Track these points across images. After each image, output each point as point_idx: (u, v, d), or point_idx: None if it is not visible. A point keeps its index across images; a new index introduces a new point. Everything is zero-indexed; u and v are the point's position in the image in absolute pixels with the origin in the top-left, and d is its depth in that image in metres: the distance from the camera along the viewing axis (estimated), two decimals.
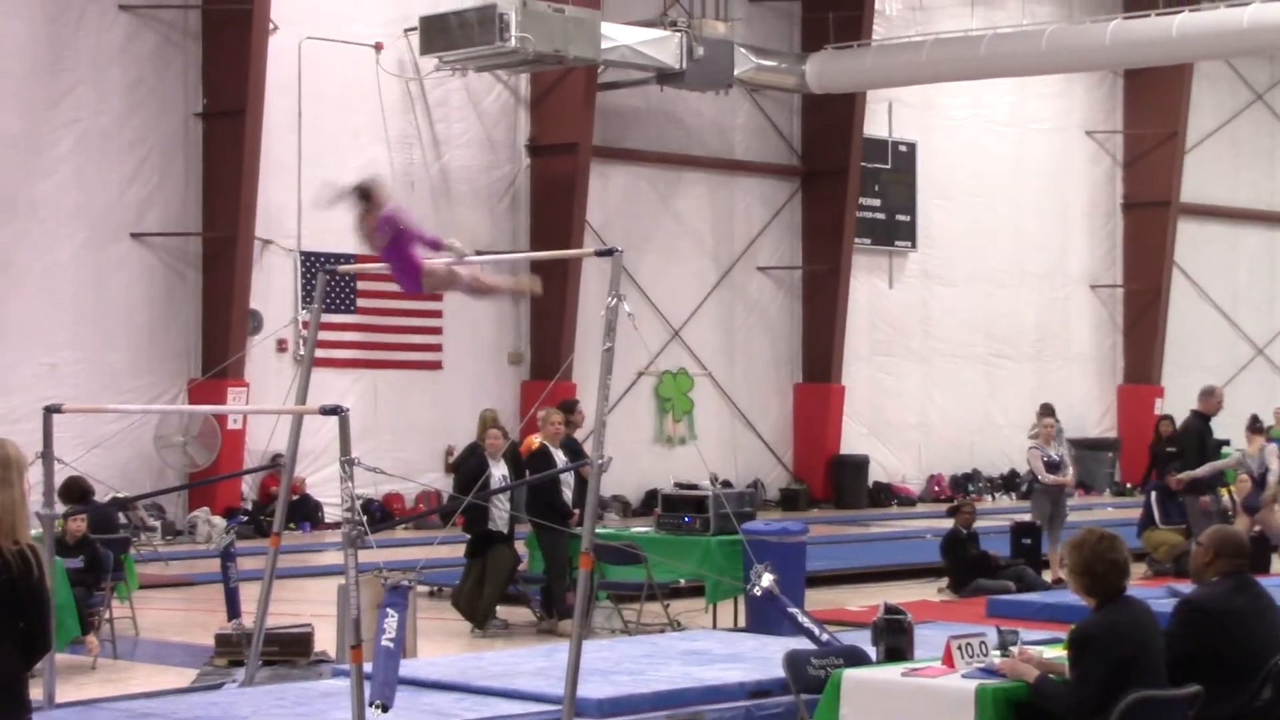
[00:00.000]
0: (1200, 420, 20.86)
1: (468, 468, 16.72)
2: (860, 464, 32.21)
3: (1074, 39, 29.49)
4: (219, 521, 23.63)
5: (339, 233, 25.91)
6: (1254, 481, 20.35)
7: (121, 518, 18.24)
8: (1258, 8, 27.50)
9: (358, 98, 26.67)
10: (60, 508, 13.16)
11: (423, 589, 17.72)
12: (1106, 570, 7.86)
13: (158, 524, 23.95)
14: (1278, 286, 39.90)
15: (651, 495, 26.92)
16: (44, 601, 6.69)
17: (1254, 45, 29.53)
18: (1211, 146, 38.12)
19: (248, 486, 25.62)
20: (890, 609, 10.41)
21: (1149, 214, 36.57)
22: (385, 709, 8.54)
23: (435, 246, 10.79)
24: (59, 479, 12.46)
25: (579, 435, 18.13)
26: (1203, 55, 31.70)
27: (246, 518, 24.01)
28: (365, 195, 10.72)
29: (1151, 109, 36.40)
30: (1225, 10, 28.22)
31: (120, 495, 18.16)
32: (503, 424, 17.33)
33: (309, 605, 16.14)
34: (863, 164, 32.08)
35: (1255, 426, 22.09)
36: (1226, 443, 23.40)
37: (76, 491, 15.15)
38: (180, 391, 24.85)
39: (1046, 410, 24.57)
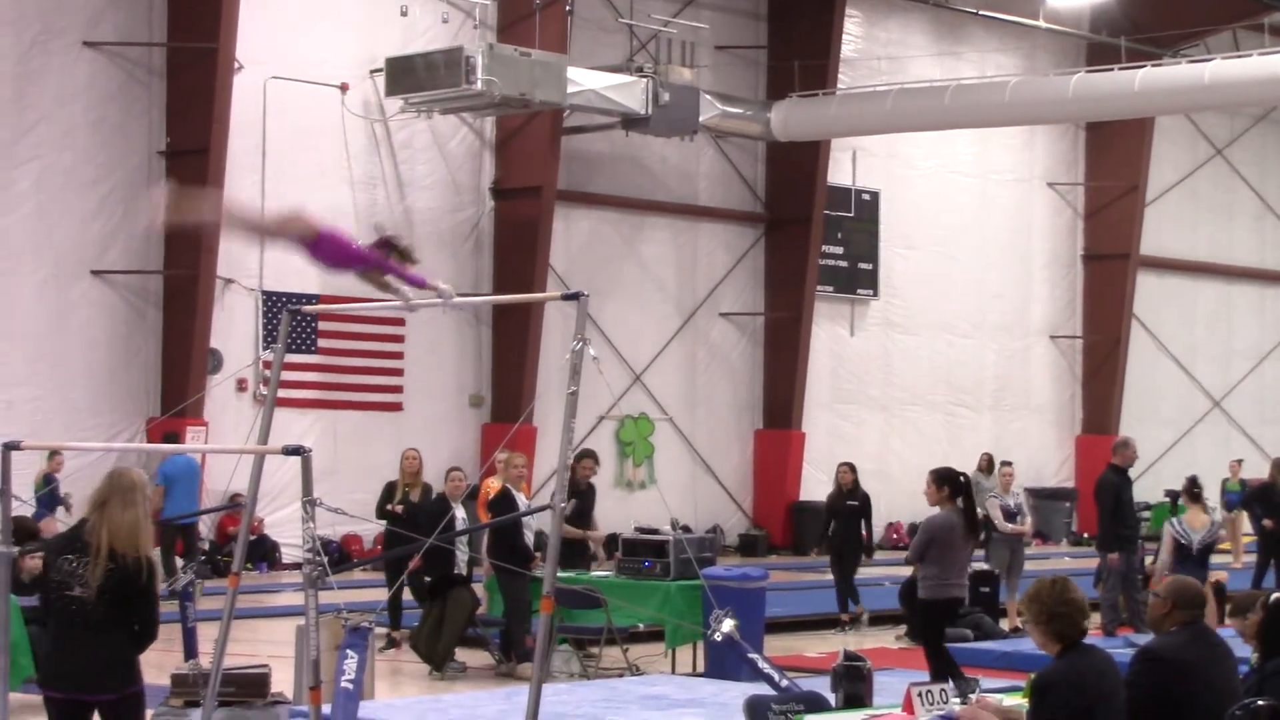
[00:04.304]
0: (1116, 474, 18.27)
1: (430, 509, 16.69)
2: (819, 511, 32.13)
3: (1037, 91, 29.69)
4: (176, 561, 23.48)
5: (301, 272, 25.99)
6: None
7: None
8: (1218, 64, 27.76)
9: (322, 138, 26.63)
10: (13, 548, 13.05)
11: (380, 631, 17.64)
12: (1068, 611, 7.89)
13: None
14: (1234, 340, 40.12)
15: (611, 539, 26.85)
16: (151, 603, 8.12)
17: (1214, 101, 29.84)
18: (1171, 200, 38.36)
19: (205, 526, 25.47)
20: (849, 655, 10.44)
21: (1109, 266, 36.76)
22: None
23: (420, 285, 10.52)
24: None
25: (536, 479, 18.11)
26: (1164, 110, 31.94)
27: (204, 557, 23.85)
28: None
29: (1112, 162, 36.63)
30: (1187, 66, 28.49)
31: None
32: (462, 467, 17.32)
33: (266, 646, 16.05)
34: (826, 212, 32.17)
35: (1193, 492, 18.50)
36: (1147, 506, 21.74)
37: (22, 532, 14.99)
38: (139, 430, 24.73)
39: (989, 461, 24.62)
